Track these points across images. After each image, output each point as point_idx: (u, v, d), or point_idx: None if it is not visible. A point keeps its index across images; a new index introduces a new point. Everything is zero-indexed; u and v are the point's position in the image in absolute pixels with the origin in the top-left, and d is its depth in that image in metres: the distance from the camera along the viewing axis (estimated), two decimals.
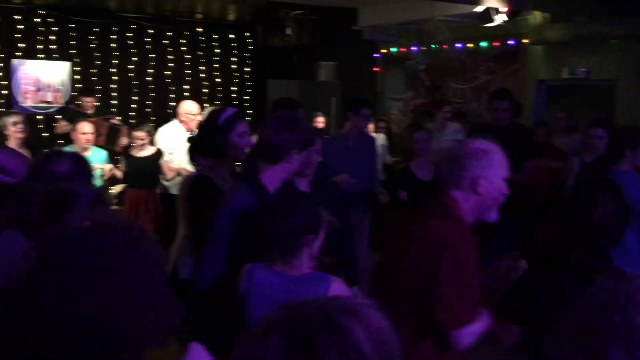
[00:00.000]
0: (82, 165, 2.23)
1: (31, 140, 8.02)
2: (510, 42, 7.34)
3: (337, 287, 2.13)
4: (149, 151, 5.44)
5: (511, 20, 6.38)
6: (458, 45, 7.74)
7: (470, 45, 7.76)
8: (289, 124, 2.52)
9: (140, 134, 5.47)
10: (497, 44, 7.50)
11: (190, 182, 3.05)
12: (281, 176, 2.53)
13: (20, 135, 4.78)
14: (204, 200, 2.77)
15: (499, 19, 6.26)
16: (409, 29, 8.03)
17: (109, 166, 5.35)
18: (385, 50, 8.91)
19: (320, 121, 6.75)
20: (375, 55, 9.01)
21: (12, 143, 4.76)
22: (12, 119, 4.80)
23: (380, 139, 6.62)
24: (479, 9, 6.28)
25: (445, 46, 7.49)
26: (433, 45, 7.26)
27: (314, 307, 0.89)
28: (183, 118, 5.54)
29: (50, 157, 2.19)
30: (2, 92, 8.13)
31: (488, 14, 6.19)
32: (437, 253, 1.95)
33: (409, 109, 8.61)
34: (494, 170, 2.07)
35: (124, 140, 6.15)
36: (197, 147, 3.05)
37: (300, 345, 0.84)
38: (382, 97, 9.04)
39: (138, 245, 1.06)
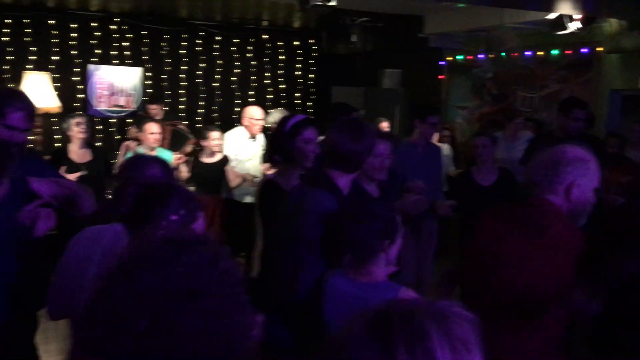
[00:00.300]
0: (168, 169, 2.28)
1: (105, 142, 8.39)
2: (584, 50, 7.09)
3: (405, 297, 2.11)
4: (215, 157, 5.49)
5: (585, 27, 6.15)
6: (527, 53, 7.53)
7: (540, 53, 7.54)
8: (362, 132, 2.54)
9: (215, 133, 5.47)
10: (569, 52, 7.25)
11: (259, 187, 3.11)
12: (352, 180, 2.58)
13: (82, 136, 4.98)
14: (270, 205, 2.81)
15: (573, 26, 6.04)
16: (476, 37, 7.88)
17: (178, 155, 5.41)
18: (451, 58, 8.78)
19: (384, 126, 6.73)
20: (440, 62, 8.90)
21: (75, 144, 4.96)
22: (75, 120, 5.00)
23: (444, 149, 6.53)
24: (551, 16, 6.09)
25: (514, 54, 7.31)
26: (503, 54, 7.10)
27: (403, 306, 0.93)
28: (246, 123, 5.64)
29: (142, 161, 2.21)
30: (79, 96, 8.50)
31: (561, 21, 5.99)
32: (577, 258, 2.05)
33: (474, 118, 8.44)
34: (588, 179, 2.10)
35: (188, 148, 6.25)
36: (269, 150, 3.13)
37: (379, 336, 0.88)
38: (447, 106, 8.91)
39: (218, 261, 1.04)
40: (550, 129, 6.52)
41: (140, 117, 7.54)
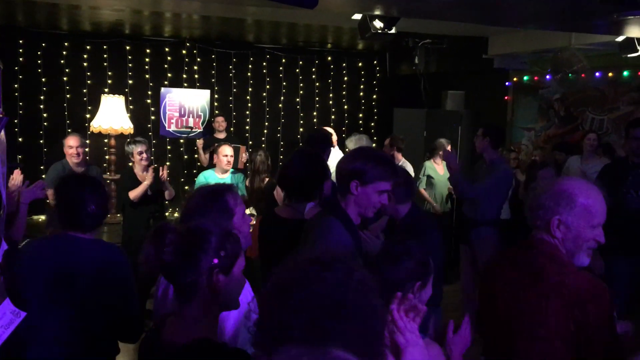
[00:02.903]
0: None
1: (174, 162, 8.69)
2: None
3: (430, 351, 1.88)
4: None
5: None
6: (597, 74, 7.32)
7: (610, 74, 7.30)
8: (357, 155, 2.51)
9: None
10: None
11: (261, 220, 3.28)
12: (357, 211, 2.46)
13: (144, 163, 5.21)
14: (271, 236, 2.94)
15: None
16: (543, 57, 7.73)
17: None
18: (516, 79, 8.63)
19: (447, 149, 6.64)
20: (506, 83, 8.76)
21: (137, 168, 5.21)
22: (138, 149, 5.19)
23: (518, 175, 6.45)
24: (621, 38, 5.92)
25: (582, 75, 7.12)
26: (570, 75, 6.93)
27: None
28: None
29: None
30: (152, 117, 8.91)
31: (632, 43, 5.81)
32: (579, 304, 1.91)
33: (541, 140, 8.25)
34: (575, 217, 1.91)
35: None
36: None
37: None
38: (512, 127, 8.75)
39: (353, 273, 1.20)
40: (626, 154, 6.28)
41: (207, 140, 7.76)
